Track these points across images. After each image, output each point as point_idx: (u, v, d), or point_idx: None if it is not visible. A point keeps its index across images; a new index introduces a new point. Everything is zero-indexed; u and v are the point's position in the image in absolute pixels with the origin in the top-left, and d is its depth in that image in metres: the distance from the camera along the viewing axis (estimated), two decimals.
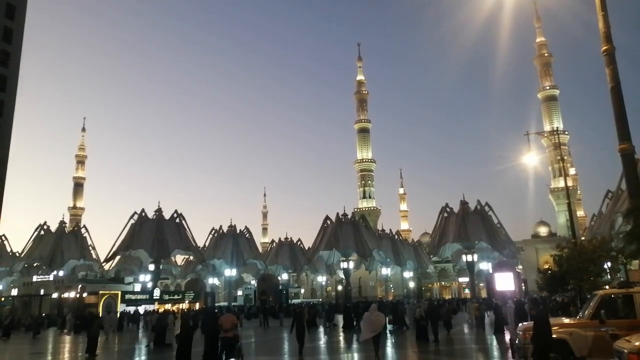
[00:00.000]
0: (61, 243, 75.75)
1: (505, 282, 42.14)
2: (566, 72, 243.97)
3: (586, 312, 12.10)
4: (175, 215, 71.69)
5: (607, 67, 16.22)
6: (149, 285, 63.09)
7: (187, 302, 59.72)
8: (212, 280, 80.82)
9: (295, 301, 70.18)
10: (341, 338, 27.03)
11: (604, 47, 16.13)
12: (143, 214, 68.95)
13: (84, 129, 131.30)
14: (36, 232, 77.90)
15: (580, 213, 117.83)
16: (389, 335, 25.79)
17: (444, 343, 21.10)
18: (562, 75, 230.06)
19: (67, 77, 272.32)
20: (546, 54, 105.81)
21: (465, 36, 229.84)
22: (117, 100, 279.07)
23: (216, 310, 31.38)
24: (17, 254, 79.60)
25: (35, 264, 74.70)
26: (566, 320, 13.33)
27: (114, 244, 67.41)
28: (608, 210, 63.59)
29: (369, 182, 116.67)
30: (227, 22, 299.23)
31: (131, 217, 68.43)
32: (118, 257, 70.47)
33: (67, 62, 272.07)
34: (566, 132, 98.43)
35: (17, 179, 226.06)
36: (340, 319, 40.04)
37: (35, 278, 68.11)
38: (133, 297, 55.45)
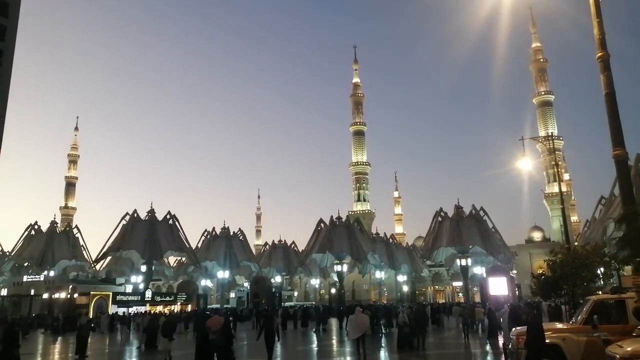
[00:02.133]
0: (52, 243, 75.04)
1: (498, 287, 42.25)
2: (561, 77, 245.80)
3: (579, 318, 12.19)
4: (168, 216, 71.31)
5: (601, 74, 16.28)
6: (141, 286, 62.68)
7: (179, 303, 59.37)
8: (205, 282, 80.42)
9: (288, 304, 69.89)
10: (334, 341, 26.94)
11: (599, 54, 16.19)
12: (135, 214, 68.50)
13: (76, 128, 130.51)
14: (26, 232, 77.23)
15: (574, 218, 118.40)
16: (383, 337, 25.73)
17: (433, 348, 20.70)
18: (557, 80, 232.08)
19: (60, 76, 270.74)
20: (541, 60, 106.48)
21: (462, 41, 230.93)
22: (111, 99, 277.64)
23: (207, 312, 31.11)
24: (7, 254, 78.79)
25: (25, 264, 73.99)
26: (559, 325, 13.37)
27: (105, 245, 67.00)
28: (600, 216, 63.87)
29: (364, 185, 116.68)
30: (222, 24, 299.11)
31: (123, 217, 67.91)
32: (109, 258, 69.93)
33: (60, 60, 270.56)
34: (561, 138, 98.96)
35: (9, 177, 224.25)
36: (333, 323, 39.94)
37: (25, 278, 67.48)
38: (124, 298, 55.08)
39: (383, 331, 28.74)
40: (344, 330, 31.39)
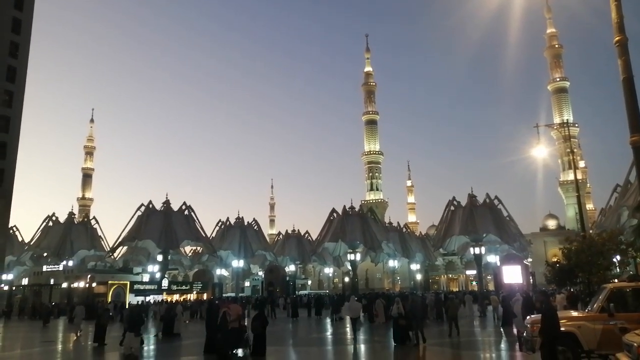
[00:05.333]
0: (70, 233, 76.26)
1: (513, 275, 42.00)
2: (577, 62, 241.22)
3: (595, 306, 12.07)
4: (183, 207, 71.92)
5: (619, 59, 15.95)
6: (157, 275, 63.52)
7: (195, 292, 60.11)
8: (220, 271, 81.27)
9: (302, 292, 70.41)
10: (347, 329, 27.10)
11: (617, 38, 15.84)
12: (150, 205, 69.13)
13: (92, 120, 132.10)
14: (44, 223, 78.59)
15: (589, 206, 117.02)
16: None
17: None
18: (573, 65, 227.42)
19: (76, 68, 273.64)
20: (556, 45, 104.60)
21: (474, 26, 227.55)
22: (126, 91, 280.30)
23: (216, 301, 31.17)
24: (26, 244, 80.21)
25: (44, 254, 75.37)
26: (575, 313, 13.29)
27: (120, 235, 67.91)
28: (615, 204, 63.10)
29: (377, 174, 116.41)
30: (235, 12, 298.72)
31: (138, 208, 68.57)
32: (125, 248, 70.90)
33: (75, 53, 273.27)
34: (576, 125, 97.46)
35: (26, 170, 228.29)
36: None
37: (45, 268, 68.78)
38: (141, 287, 55.92)
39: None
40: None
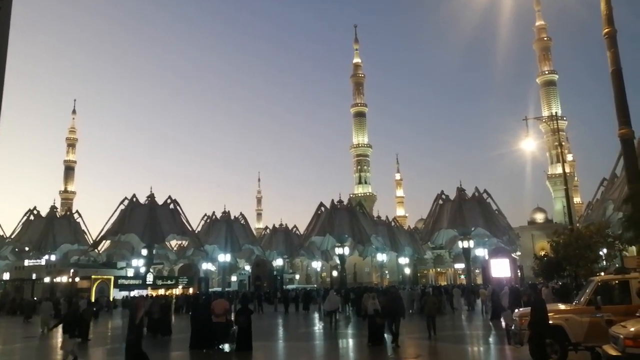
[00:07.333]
0: (53, 227, 75.01)
1: (501, 269, 42.20)
2: (567, 55, 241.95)
3: (582, 298, 12.19)
4: (169, 200, 71.12)
5: (608, 50, 15.90)
6: (142, 270, 62.79)
7: (180, 287, 59.63)
8: (206, 266, 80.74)
9: (290, 287, 70.19)
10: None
11: (606, 30, 15.78)
12: (134, 199, 68.13)
13: (74, 111, 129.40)
14: (25, 217, 77.14)
15: (577, 200, 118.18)
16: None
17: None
18: (562, 58, 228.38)
19: (57, 58, 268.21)
20: (545, 38, 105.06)
21: (465, 18, 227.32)
22: (109, 82, 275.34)
23: (203, 296, 30.91)
24: (6, 238, 78.63)
25: (26, 249, 74.14)
26: (562, 307, 13.33)
27: (102, 229, 66.85)
28: (601, 197, 63.75)
29: (365, 167, 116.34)
30: (221, 2, 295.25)
31: (121, 202, 67.25)
32: (109, 242, 69.94)
33: (57, 42, 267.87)
34: (564, 118, 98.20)
35: (6, 162, 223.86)
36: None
37: (27, 262, 67.65)
38: (126, 282, 55.28)
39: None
40: (346, 313, 31.71)
